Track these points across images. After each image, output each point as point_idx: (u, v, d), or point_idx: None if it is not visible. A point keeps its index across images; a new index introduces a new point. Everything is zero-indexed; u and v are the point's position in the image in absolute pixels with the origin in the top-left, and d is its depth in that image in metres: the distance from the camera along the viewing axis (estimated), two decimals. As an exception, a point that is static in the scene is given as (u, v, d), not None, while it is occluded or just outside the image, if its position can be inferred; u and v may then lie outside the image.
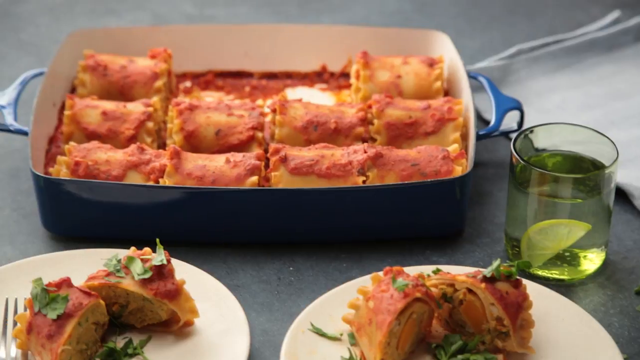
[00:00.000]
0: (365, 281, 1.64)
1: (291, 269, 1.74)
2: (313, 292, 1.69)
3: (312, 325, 1.59)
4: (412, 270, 1.62)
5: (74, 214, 1.76)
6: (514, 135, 1.93)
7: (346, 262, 1.75)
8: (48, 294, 1.51)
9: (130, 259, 1.58)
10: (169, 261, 1.58)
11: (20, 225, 1.81)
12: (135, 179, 1.77)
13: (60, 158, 1.79)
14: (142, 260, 1.58)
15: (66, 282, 1.53)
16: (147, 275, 1.56)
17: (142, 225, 1.75)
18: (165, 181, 1.76)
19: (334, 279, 1.72)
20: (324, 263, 1.75)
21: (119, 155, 1.79)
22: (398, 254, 1.75)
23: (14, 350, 1.54)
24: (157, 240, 1.60)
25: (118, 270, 1.58)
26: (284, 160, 1.77)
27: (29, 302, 1.51)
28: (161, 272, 1.57)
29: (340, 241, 1.77)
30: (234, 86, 2.12)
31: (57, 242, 1.78)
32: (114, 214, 1.75)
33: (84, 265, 1.66)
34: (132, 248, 1.61)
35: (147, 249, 1.60)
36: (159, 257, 1.58)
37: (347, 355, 1.55)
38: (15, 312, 1.59)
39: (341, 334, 1.58)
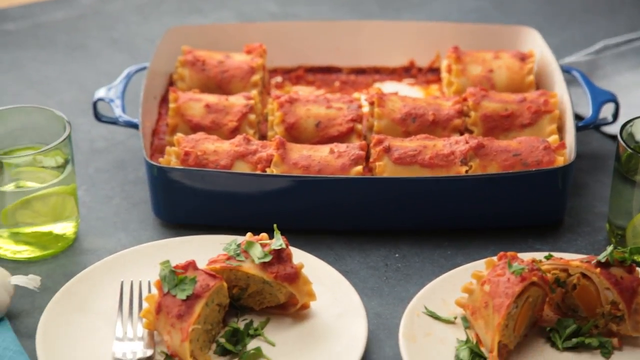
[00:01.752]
0: (474, 267, 1.69)
1: (397, 255, 1.79)
2: (421, 278, 1.74)
3: (426, 308, 1.63)
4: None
5: (184, 202, 1.81)
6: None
7: (450, 250, 1.79)
8: (176, 276, 1.56)
9: (250, 244, 1.63)
10: (287, 245, 1.63)
11: (131, 213, 1.87)
12: (242, 168, 1.82)
13: (169, 149, 1.85)
14: (261, 244, 1.63)
15: (192, 265, 1.58)
16: (267, 259, 1.61)
17: (250, 213, 1.81)
18: (273, 171, 1.81)
19: (439, 266, 1.76)
20: (428, 250, 1.79)
21: (226, 146, 1.84)
22: (500, 242, 1.80)
23: (141, 331, 1.59)
24: (275, 225, 1.65)
25: (238, 254, 1.63)
26: (388, 150, 1.82)
27: (158, 284, 1.56)
28: (280, 256, 1.62)
29: (444, 229, 1.82)
30: (324, 81, 2.18)
31: (167, 229, 1.83)
32: (223, 203, 1.80)
33: (198, 251, 1.71)
34: (249, 234, 1.66)
35: (264, 234, 1.65)
36: (277, 241, 1.63)
37: (462, 338, 1.60)
38: (140, 295, 1.64)
39: (455, 317, 1.63)
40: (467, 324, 1.62)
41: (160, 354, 1.57)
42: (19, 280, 1.64)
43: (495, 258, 1.61)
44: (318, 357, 1.57)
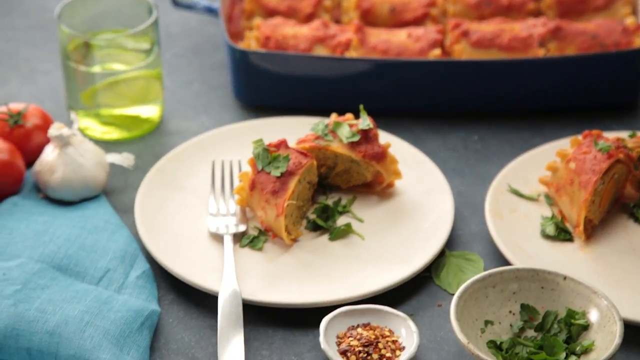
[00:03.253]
0: (553, 147, 1.72)
1: (476, 137, 1.82)
2: (500, 159, 1.77)
3: (509, 186, 1.67)
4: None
5: (265, 85, 1.84)
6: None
7: (528, 131, 1.82)
8: (270, 154, 1.59)
9: (337, 124, 1.66)
10: (375, 126, 1.66)
11: (210, 97, 1.90)
12: (321, 52, 1.84)
13: (249, 33, 1.87)
14: (349, 125, 1.66)
15: (284, 143, 1.61)
16: (355, 139, 1.65)
17: (329, 96, 1.83)
18: (352, 54, 1.83)
19: (517, 147, 1.79)
20: (506, 132, 1.82)
21: (304, 30, 1.87)
22: (578, 123, 1.83)
23: (233, 207, 1.63)
24: (361, 106, 1.68)
25: (326, 134, 1.66)
26: (466, 34, 1.84)
27: (252, 162, 1.60)
28: (367, 136, 1.66)
29: (521, 111, 1.85)
30: (392, -32, 2.18)
31: (248, 112, 1.86)
32: (304, 85, 1.83)
33: (284, 132, 1.74)
34: (334, 114, 1.69)
35: (349, 115, 1.68)
36: (365, 121, 1.66)
37: (546, 214, 1.63)
38: (231, 173, 1.68)
39: (538, 195, 1.66)
40: (550, 201, 1.65)
41: (253, 229, 1.61)
42: (114, 158, 1.68)
43: (580, 137, 1.64)
44: (406, 233, 1.61)
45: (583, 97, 1.84)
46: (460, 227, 1.66)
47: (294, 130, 1.75)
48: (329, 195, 1.68)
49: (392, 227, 1.63)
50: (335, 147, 1.65)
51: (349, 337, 1.45)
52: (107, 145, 1.78)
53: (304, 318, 1.51)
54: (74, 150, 1.64)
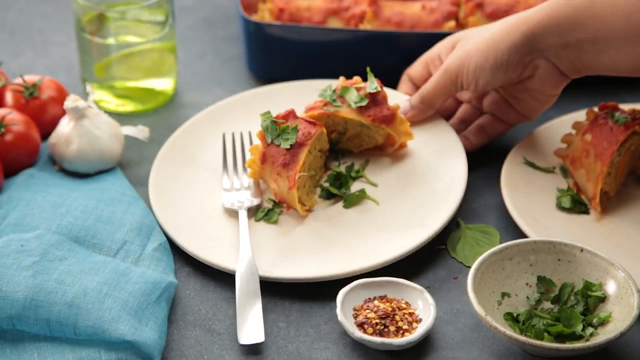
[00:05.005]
0: (569, 119, 1.71)
1: (490, 110, 1.81)
2: (515, 131, 1.77)
3: (525, 159, 1.67)
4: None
5: (280, 57, 1.83)
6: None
7: (542, 104, 1.82)
8: (278, 126, 1.58)
9: (345, 89, 1.65)
10: (382, 88, 1.65)
11: (223, 69, 1.90)
12: (335, 25, 1.84)
13: (262, 5, 1.86)
14: (356, 89, 1.65)
15: (292, 114, 1.60)
16: (363, 103, 1.64)
17: (344, 68, 1.83)
18: (366, 27, 1.82)
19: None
20: (520, 104, 1.82)
21: (318, 3, 1.86)
22: (592, 94, 1.82)
23: (247, 181, 1.63)
24: (368, 68, 1.67)
25: (334, 100, 1.65)
26: (481, 5, 1.84)
27: (261, 135, 1.59)
28: (376, 99, 1.64)
29: (535, 84, 1.85)
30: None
31: (261, 84, 1.86)
32: (317, 58, 1.83)
33: (293, 98, 1.73)
34: (342, 78, 1.68)
35: (357, 78, 1.67)
36: (372, 84, 1.65)
37: (562, 186, 1.63)
38: (242, 146, 1.68)
39: (553, 167, 1.66)
40: (566, 173, 1.65)
41: (267, 201, 1.61)
42: (129, 130, 1.68)
43: (595, 108, 1.63)
44: (421, 195, 1.60)
45: (598, 69, 1.83)
46: (476, 199, 1.65)
47: (306, 95, 1.74)
48: (341, 160, 1.68)
49: (406, 190, 1.62)
50: (344, 112, 1.64)
51: (365, 310, 1.45)
52: (121, 118, 1.78)
53: (321, 290, 1.51)
54: (90, 123, 1.64)
